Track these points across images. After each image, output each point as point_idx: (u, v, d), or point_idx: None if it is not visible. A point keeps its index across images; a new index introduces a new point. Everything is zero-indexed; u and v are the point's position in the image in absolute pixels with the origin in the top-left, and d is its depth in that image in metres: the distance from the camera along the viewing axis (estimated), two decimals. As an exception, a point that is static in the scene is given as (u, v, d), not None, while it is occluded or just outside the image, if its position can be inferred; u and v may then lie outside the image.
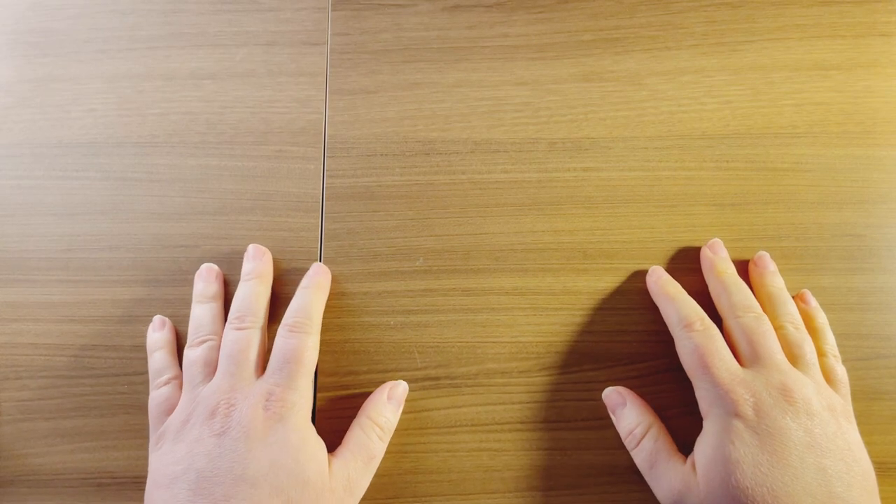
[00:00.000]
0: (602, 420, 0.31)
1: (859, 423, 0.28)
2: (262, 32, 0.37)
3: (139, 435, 0.32)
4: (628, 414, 0.30)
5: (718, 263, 0.32)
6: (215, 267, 0.33)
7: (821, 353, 0.30)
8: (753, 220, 0.34)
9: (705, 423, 0.28)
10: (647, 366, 0.32)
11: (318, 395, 0.32)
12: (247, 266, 0.32)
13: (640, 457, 0.29)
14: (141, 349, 0.33)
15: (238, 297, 0.31)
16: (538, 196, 0.34)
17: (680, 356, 0.30)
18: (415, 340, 0.32)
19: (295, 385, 0.28)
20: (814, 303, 0.32)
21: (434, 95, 0.36)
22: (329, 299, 0.33)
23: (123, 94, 0.36)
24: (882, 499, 0.26)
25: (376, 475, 0.31)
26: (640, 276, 0.33)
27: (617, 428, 0.31)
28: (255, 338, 0.30)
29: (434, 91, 0.36)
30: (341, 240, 0.34)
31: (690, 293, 0.31)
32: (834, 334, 0.31)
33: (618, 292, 0.33)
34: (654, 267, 0.33)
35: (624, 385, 0.31)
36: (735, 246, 0.33)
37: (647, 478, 0.29)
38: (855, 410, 0.29)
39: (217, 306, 0.32)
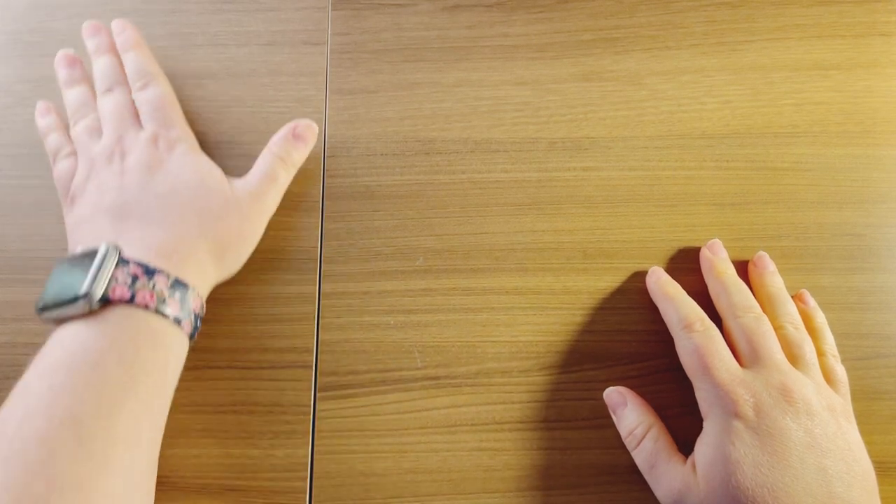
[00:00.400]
0: (602, 420, 0.31)
1: (859, 423, 0.28)
2: (262, 32, 0.37)
3: (139, 435, 0.32)
4: (629, 414, 0.30)
5: (718, 264, 0.32)
6: (71, 51, 0.35)
7: (820, 353, 0.30)
8: (753, 219, 0.34)
9: (705, 424, 0.28)
10: (647, 366, 0.32)
11: (319, 394, 0.32)
12: (90, 43, 0.35)
13: (640, 457, 0.29)
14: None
15: (97, 70, 0.34)
16: (538, 196, 0.34)
17: (680, 356, 0.30)
18: (415, 340, 0.33)
19: (174, 124, 0.32)
20: (812, 303, 0.32)
21: (434, 95, 0.36)
22: (329, 299, 0.33)
23: (123, 93, 0.36)
24: (882, 499, 0.26)
25: (377, 474, 0.31)
26: (640, 275, 0.33)
27: (618, 428, 0.31)
28: (125, 96, 0.33)
29: (434, 91, 0.36)
30: (341, 240, 0.34)
31: (690, 293, 0.31)
32: (834, 334, 0.31)
33: (618, 292, 0.33)
34: (654, 267, 0.33)
35: (624, 385, 0.31)
36: (735, 246, 0.33)
37: (647, 478, 0.29)
38: (855, 410, 0.29)
39: (86, 88, 0.34)
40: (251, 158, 0.35)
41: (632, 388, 0.31)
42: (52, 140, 0.33)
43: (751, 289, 0.31)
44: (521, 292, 0.33)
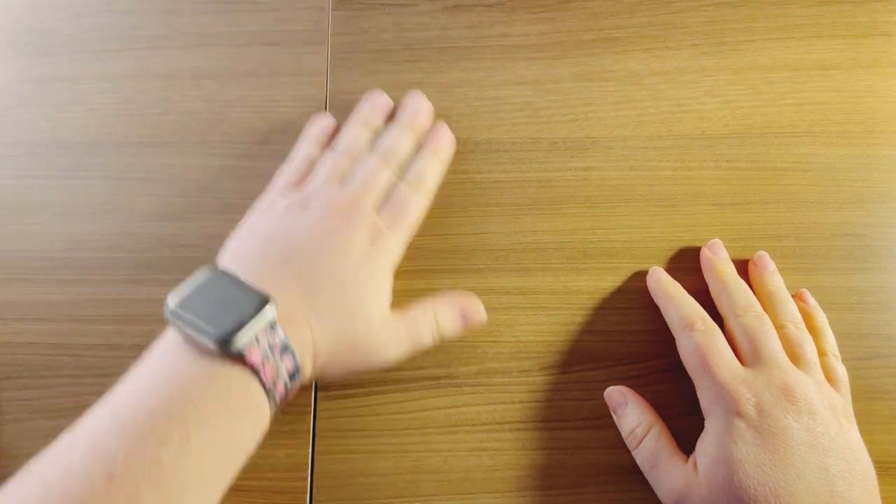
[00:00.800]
0: (602, 419, 0.31)
1: (859, 423, 0.28)
2: (263, 32, 0.37)
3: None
4: (630, 413, 0.30)
5: (718, 263, 0.32)
6: (334, 121, 0.35)
7: (821, 353, 0.30)
8: (753, 219, 0.34)
9: (707, 423, 0.28)
10: (647, 366, 0.32)
11: (319, 394, 0.32)
12: (409, 107, 0.34)
13: (641, 456, 0.29)
14: (141, 349, 0.33)
15: (388, 136, 0.33)
16: (538, 196, 0.34)
17: (681, 356, 0.30)
18: (415, 340, 0.32)
19: (399, 231, 0.30)
20: (812, 302, 0.32)
21: (435, 95, 0.36)
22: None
23: (124, 93, 0.36)
24: (882, 498, 0.26)
25: (377, 474, 0.31)
26: (640, 275, 0.33)
27: (618, 427, 0.31)
28: (389, 175, 0.32)
29: (435, 91, 0.36)
30: (341, 239, 0.34)
31: (691, 293, 0.31)
32: (834, 334, 0.31)
33: (618, 292, 0.33)
34: (654, 267, 0.33)
35: (624, 385, 0.31)
36: (735, 245, 0.33)
37: (648, 477, 0.29)
38: (855, 410, 0.29)
39: (369, 137, 0.34)
40: (251, 158, 0.35)
41: (632, 388, 0.31)
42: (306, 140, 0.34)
43: (751, 288, 0.31)
44: (522, 292, 0.33)
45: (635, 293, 0.33)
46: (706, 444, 0.27)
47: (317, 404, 0.32)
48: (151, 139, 0.36)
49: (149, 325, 0.33)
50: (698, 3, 0.37)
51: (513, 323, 0.33)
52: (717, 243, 0.33)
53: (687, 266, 0.33)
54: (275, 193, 0.32)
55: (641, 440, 0.29)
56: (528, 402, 0.32)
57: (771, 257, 0.33)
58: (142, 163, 0.35)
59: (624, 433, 0.30)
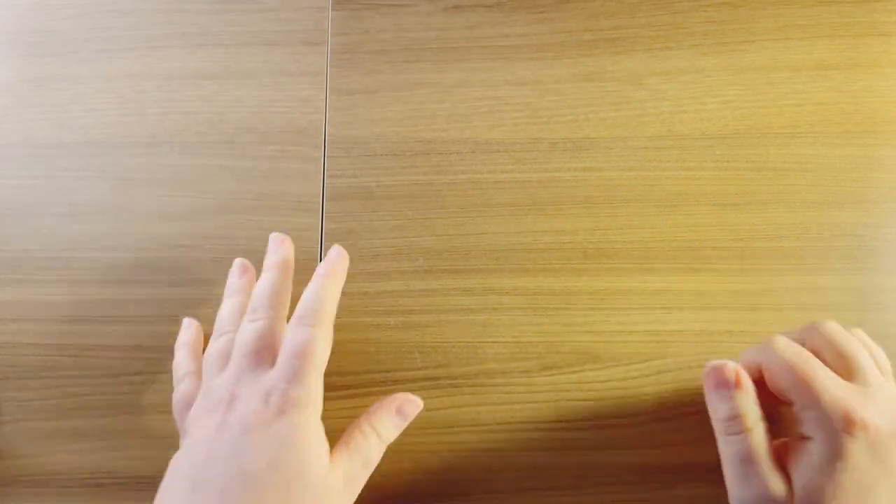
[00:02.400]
0: (602, 420, 0.31)
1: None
2: (262, 32, 0.37)
3: (139, 435, 0.32)
4: (742, 398, 0.27)
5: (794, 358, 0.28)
6: (245, 262, 0.33)
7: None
8: (753, 219, 0.34)
9: (809, 444, 0.25)
10: (648, 366, 0.32)
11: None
12: (267, 258, 0.32)
13: (734, 447, 0.26)
14: (141, 349, 0.33)
15: (256, 289, 0.30)
16: (538, 196, 0.34)
17: (772, 375, 0.27)
18: (415, 340, 0.33)
19: (302, 381, 0.27)
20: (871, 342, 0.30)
21: (434, 95, 0.36)
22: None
23: (124, 93, 0.36)
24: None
25: (377, 474, 0.30)
26: (640, 275, 0.33)
27: (711, 406, 0.28)
28: (266, 329, 0.28)
29: (434, 91, 0.36)
30: (341, 240, 0.34)
31: (692, 293, 0.31)
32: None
33: (618, 292, 0.33)
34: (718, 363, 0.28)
35: (624, 385, 0.31)
36: (735, 246, 0.33)
37: (729, 469, 0.27)
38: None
39: (239, 301, 0.31)
40: (251, 158, 0.35)
41: (631, 388, 0.31)
42: (178, 357, 0.31)
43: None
44: (521, 292, 0.33)
45: (635, 293, 0.33)
46: (810, 467, 0.25)
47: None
48: (151, 139, 0.36)
49: (149, 326, 0.33)
50: (698, 3, 0.37)
51: (512, 323, 0.33)
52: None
53: (687, 266, 0.33)
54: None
55: (744, 431, 0.26)
56: (528, 402, 0.32)
57: (771, 257, 0.33)
58: (142, 163, 0.35)
59: (722, 415, 0.27)
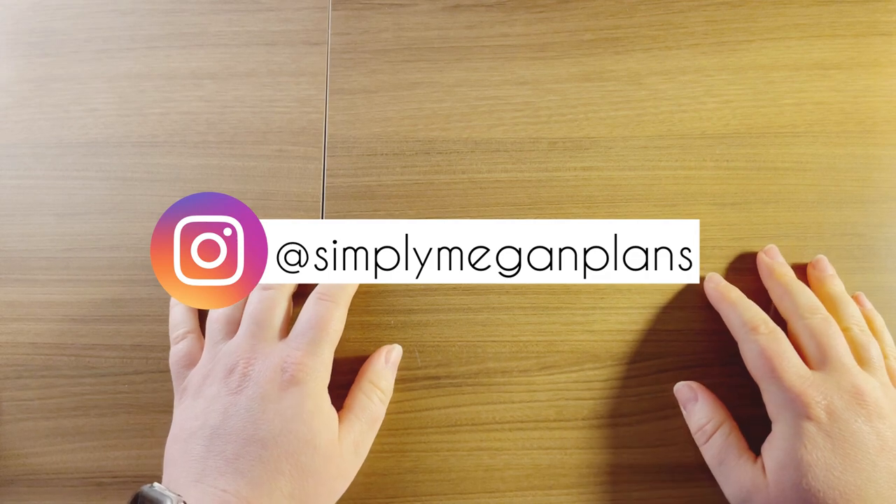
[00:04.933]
0: (602, 419, 0.31)
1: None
2: (262, 32, 0.37)
3: (140, 434, 0.32)
4: (699, 409, 0.30)
5: (778, 267, 0.31)
6: None
7: (883, 355, 0.29)
8: (754, 219, 0.34)
9: (775, 427, 0.27)
10: (647, 365, 0.32)
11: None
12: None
13: (709, 453, 0.29)
14: (141, 349, 0.33)
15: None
16: (538, 196, 0.34)
17: (745, 360, 0.29)
18: (415, 340, 0.33)
19: (316, 351, 0.28)
20: (869, 305, 0.32)
21: (434, 95, 0.36)
22: (329, 299, 0.33)
23: (124, 93, 0.36)
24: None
25: (377, 474, 0.31)
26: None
27: (687, 422, 0.30)
28: (280, 300, 0.30)
29: (434, 91, 0.36)
30: (341, 239, 0.34)
31: (693, 295, 0.32)
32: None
33: (618, 292, 0.33)
34: (711, 273, 0.32)
35: (624, 385, 0.31)
36: (735, 245, 0.33)
37: (714, 473, 0.29)
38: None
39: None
40: (251, 158, 0.35)
41: (632, 388, 0.31)
42: (176, 313, 0.32)
43: None
44: (521, 292, 0.33)
45: (635, 293, 0.33)
46: (774, 448, 0.27)
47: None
48: (151, 139, 0.36)
49: (149, 325, 0.33)
50: (698, 3, 0.37)
51: (513, 323, 0.33)
52: (774, 249, 0.32)
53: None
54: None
55: (710, 436, 0.29)
56: (528, 402, 0.32)
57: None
58: (142, 162, 0.35)
59: (693, 429, 0.30)
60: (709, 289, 0.32)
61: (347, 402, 0.30)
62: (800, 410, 0.26)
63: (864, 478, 0.24)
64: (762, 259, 0.32)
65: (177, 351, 0.31)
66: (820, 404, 0.26)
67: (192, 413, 0.27)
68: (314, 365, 0.28)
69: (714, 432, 0.29)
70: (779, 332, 0.29)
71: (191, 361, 0.30)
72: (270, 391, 0.27)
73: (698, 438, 0.30)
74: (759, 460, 0.27)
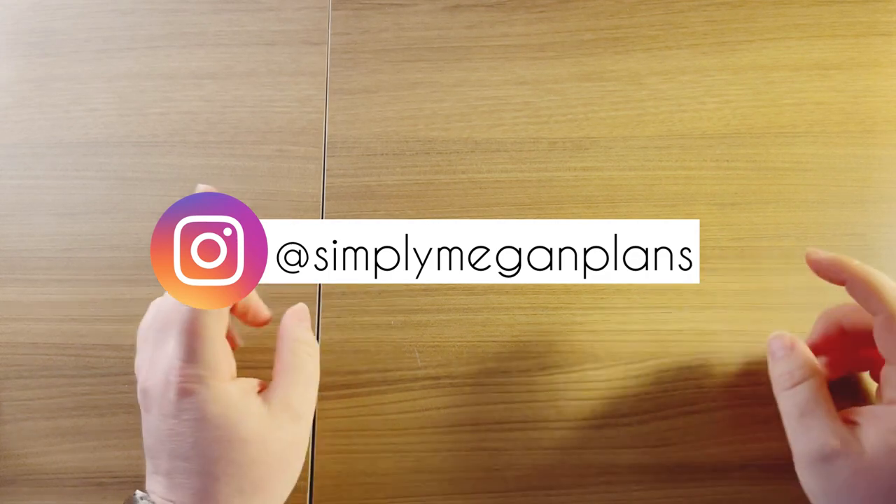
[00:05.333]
0: (602, 419, 0.31)
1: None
2: (263, 32, 0.37)
3: (140, 434, 0.32)
4: (793, 356, 0.27)
5: (840, 259, 0.27)
6: None
7: None
8: (754, 219, 0.34)
9: (893, 406, 0.25)
10: (647, 365, 0.32)
11: (319, 394, 0.32)
12: None
13: (791, 400, 0.27)
14: (141, 349, 0.33)
15: None
16: (539, 196, 0.34)
17: (885, 338, 0.26)
18: (415, 340, 0.33)
19: (196, 357, 0.25)
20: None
21: (434, 95, 0.36)
22: (329, 299, 0.33)
23: (124, 93, 0.36)
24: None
25: (377, 474, 0.31)
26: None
27: (770, 371, 0.28)
28: (170, 301, 0.28)
29: (434, 91, 0.36)
30: (341, 239, 0.34)
31: (693, 295, 0.31)
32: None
33: (618, 292, 0.33)
34: (811, 249, 0.28)
35: (624, 385, 0.31)
36: (735, 245, 0.33)
37: (788, 424, 0.27)
38: (856, 410, 0.29)
39: None
40: (251, 158, 0.35)
41: (632, 388, 0.31)
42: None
43: None
44: (522, 292, 0.33)
45: (635, 293, 0.33)
46: (889, 430, 0.24)
47: (317, 403, 0.31)
48: (151, 139, 0.36)
49: (149, 325, 0.33)
50: (698, 3, 0.37)
51: (513, 323, 0.33)
52: (815, 250, 0.28)
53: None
54: None
55: (798, 383, 0.27)
56: (528, 402, 0.32)
57: (771, 257, 0.33)
58: (142, 162, 0.35)
59: (776, 373, 0.28)
60: (817, 259, 0.28)
61: (275, 368, 0.28)
62: None
63: None
64: (815, 259, 0.28)
65: (145, 320, 0.29)
66: None
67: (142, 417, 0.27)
68: (195, 371, 0.25)
69: (802, 381, 0.26)
70: None
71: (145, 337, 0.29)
72: (167, 407, 0.25)
73: (781, 382, 0.27)
74: (857, 427, 0.25)
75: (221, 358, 0.27)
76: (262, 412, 0.26)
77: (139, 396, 0.27)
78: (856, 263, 0.26)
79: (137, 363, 0.28)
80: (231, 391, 0.26)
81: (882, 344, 0.26)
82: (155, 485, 0.25)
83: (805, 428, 0.26)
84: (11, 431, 0.32)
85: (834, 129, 0.35)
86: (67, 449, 0.32)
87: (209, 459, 0.25)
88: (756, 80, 0.36)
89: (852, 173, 0.34)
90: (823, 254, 0.27)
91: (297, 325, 0.30)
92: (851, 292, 0.26)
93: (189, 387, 0.25)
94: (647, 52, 0.37)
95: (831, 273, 0.27)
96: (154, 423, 0.26)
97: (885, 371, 0.26)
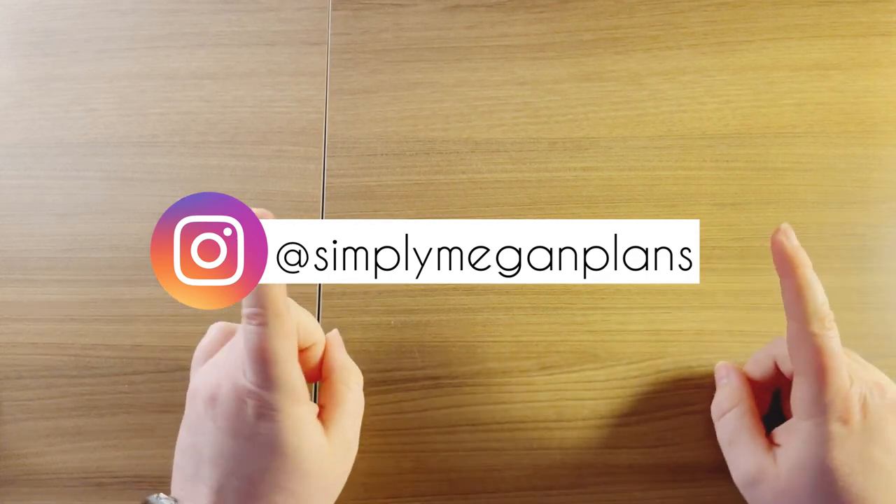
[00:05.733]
0: (602, 419, 0.31)
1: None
2: (262, 32, 0.37)
3: (140, 434, 0.32)
4: (723, 388, 0.30)
5: (800, 256, 0.27)
6: None
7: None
8: (754, 219, 0.34)
9: (799, 424, 0.26)
10: (647, 365, 0.32)
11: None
12: None
13: (721, 431, 0.29)
14: (141, 349, 0.33)
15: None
16: (539, 196, 0.34)
17: (793, 347, 0.26)
18: (415, 340, 0.33)
19: (269, 383, 0.25)
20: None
21: (434, 95, 0.36)
22: (329, 299, 0.33)
23: (124, 93, 0.36)
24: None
25: (376, 474, 0.31)
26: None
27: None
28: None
29: (434, 91, 0.36)
30: (341, 239, 0.34)
31: (693, 296, 0.31)
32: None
33: (618, 292, 0.33)
34: (786, 225, 0.27)
35: (624, 385, 0.31)
36: (735, 246, 0.33)
37: (724, 453, 0.29)
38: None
39: None
40: (251, 158, 0.35)
41: (632, 388, 0.31)
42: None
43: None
44: (522, 292, 0.33)
45: (635, 293, 0.33)
46: (796, 447, 0.26)
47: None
48: (151, 139, 0.36)
49: (149, 325, 0.33)
50: (698, 3, 0.37)
51: (512, 323, 0.33)
52: (789, 229, 0.27)
53: (687, 266, 0.33)
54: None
55: (725, 413, 0.29)
56: (528, 402, 0.32)
57: (771, 257, 0.32)
58: (142, 162, 0.35)
59: (713, 405, 0.30)
60: (782, 243, 0.26)
61: (326, 399, 0.28)
62: (839, 413, 0.25)
63: (885, 479, 0.24)
64: (780, 242, 0.27)
65: (201, 343, 0.29)
66: (855, 406, 0.25)
67: (187, 421, 0.27)
68: (273, 398, 0.25)
69: (728, 411, 0.29)
70: (836, 329, 0.26)
71: (206, 357, 0.28)
72: (240, 426, 0.25)
73: (713, 413, 0.30)
74: (773, 450, 0.27)
75: (297, 380, 0.26)
76: (323, 443, 0.26)
77: (204, 402, 0.26)
78: (806, 267, 0.26)
79: (207, 366, 0.28)
80: (306, 419, 0.26)
81: (791, 351, 0.26)
82: (197, 495, 0.25)
83: (732, 456, 0.28)
84: (11, 431, 0.32)
85: (834, 129, 0.35)
86: (67, 449, 0.32)
87: (271, 486, 0.25)
88: (756, 81, 0.36)
89: (852, 173, 0.34)
90: (792, 241, 0.26)
91: (340, 352, 0.30)
92: (783, 290, 0.26)
93: (268, 413, 0.25)
94: (647, 52, 0.37)
95: (782, 262, 0.26)
96: (218, 437, 0.25)
97: (794, 381, 0.26)
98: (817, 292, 0.26)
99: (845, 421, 0.25)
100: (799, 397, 0.26)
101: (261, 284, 0.27)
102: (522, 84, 0.36)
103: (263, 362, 0.25)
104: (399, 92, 0.36)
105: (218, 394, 0.26)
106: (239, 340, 0.27)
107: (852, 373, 0.26)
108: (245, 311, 0.26)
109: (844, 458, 0.24)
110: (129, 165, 0.35)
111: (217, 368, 0.27)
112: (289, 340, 0.26)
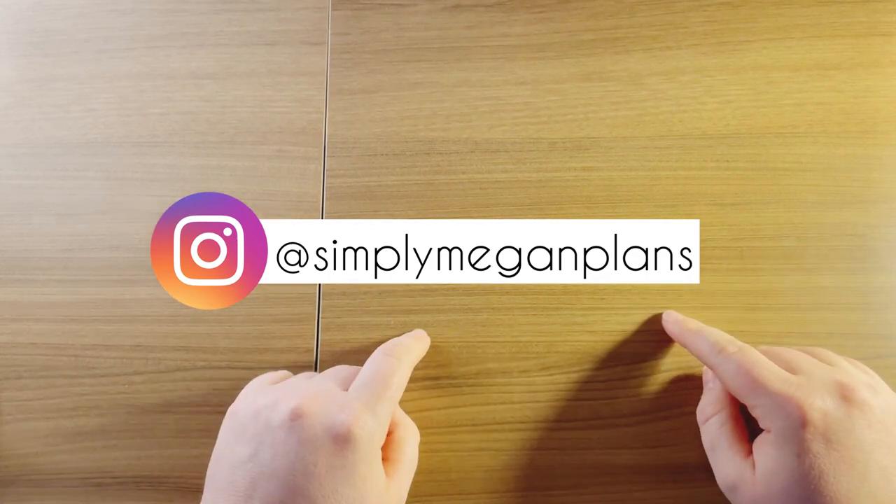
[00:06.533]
0: (602, 420, 0.31)
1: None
2: (262, 32, 0.37)
3: (139, 434, 0.32)
4: (708, 393, 0.30)
5: (685, 322, 0.31)
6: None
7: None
8: (754, 219, 0.34)
9: (767, 433, 0.27)
10: (647, 365, 0.32)
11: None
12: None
13: (703, 436, 0.30)
14: (141, 349, 0.33)
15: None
16: (539, 196, 0.34)
17: (725, 382, 0.28)
18: (415, 340, 0.32)
19: (376, 406, 0.26)
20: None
21: (434, 95, 0.36)
22: (329, 299, 0.33)
23: (123, 93, 0.36)
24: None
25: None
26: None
27: None
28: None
29: (434, 91, 0.36)
30: (341, 239, 0.34)
31: (693, 296, 0.31)
32: (834, 334, 0.31)
33: (618, 292, 0.33)
34: (668, 311, 0.32)
35: (624, 385, 0.31)
36: (735, 246, 0.33)
37: (708, 457, 0.29)
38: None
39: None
40: (251, 158, 0.35)
41: (632, 388, 0.31)
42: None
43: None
44: (522, 292, 0.33)
45: (635, 293, 0.33)
46: (766, 454, 0.26)
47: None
48: (151, 139, 0.36)
49: (149, 325, 0.33)
50: (698, 3, 0.37)
51: (512, 323, 0.33)
52: (671, 312, 0.32)
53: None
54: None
55: (708, 419, 0.30)
56: (528, 402, 0.32)
57: (771, 257, 0.33)
58: (142, 162, 0.35)
59: (698, 410, 0.31)
60: (669, 325, 0.32)
61: (393, 453, 0.28)
62: (794, 416, 0.25)
63: (858, 479, 0.24)
64: (669, 321, 0.32)
65: (263, 376, 0.30)
66: (813, 406, 0.25)
67: (244, 434, 0.26)
68: (371, 422, 0.26)
69: (711, 417, 0.29)
70: (748, 346, 0.28)
71: (276, 381, 0.29)
72: (325, 443, 0.25)
73: (698, 419, 0.30)
74: (750, 457, 0.27)
75: (387, 422, 0.27)
76: (384, 487, 0.26)
77: (285, 415, 0.26)
78: (690, 329, 0.30)
79: (300, 383, 0.28)
80: (379, 457, 0.27)
81: (726, 385, 0.28)
82: None
83: (714, 461, 0.29)
84: (11, 431, 0.32)
85: (834, 129, 0.35)
86: (67, 449, 0.32)
87: None
88: (756, 81, 0.36)
89: (852, 173, 0.34)
90: (669, 322, 0.32)
91: (399, 410, 0.30)
92: (691, 353, 0.30)
93: (357, 432, 0.25)
94: (647, 52, 0.36)
95: (675, 337, 0.31)
96: (295, 450, 0.25)
97: (752, 408, 0.27)
98: (707, 333, 0.30)
99: (804, 423, 0.25)
100: (758, 417, 0.27)
101: (408, 339, 0.31)
102: (522, 84, 0.36)
103: (381, 384, 0.27)
104: (399, 92, 0.36)
105: (311, 401, 0.26)
106: (341, 371, 0.29)
107: (810, 374, 0.27)
108: (386, 347, 0.30)
109: (813, 460, 0.25)
110: (129, 165, 0.35)
111: (295, 390, 0.27)
112: (402, 386, 0.29)
